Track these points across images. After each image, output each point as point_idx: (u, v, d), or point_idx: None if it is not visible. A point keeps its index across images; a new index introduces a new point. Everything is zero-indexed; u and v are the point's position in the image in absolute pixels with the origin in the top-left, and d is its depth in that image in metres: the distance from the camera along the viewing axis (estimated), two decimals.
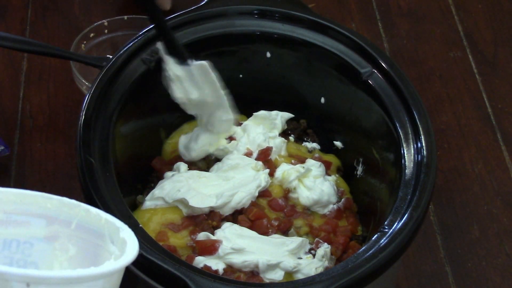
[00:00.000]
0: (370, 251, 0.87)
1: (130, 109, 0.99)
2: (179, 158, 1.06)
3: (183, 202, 0.98)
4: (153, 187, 1.03)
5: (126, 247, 0.73)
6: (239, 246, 0.94)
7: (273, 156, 1.05)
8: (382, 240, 0.87)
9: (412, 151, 0.95)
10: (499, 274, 1.15)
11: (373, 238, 0.88)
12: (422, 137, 0.95)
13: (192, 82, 1.00)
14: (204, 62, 0.99)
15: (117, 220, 0.77)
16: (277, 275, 0.94)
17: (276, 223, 0.99)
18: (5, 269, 0.64)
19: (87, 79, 1.22)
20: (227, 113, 1.04)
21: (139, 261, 0.84)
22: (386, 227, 0.89)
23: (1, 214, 0.77)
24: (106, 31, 1.31)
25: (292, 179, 1.02)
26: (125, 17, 1.31)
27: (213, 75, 0.99)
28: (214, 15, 1.04)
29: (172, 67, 0.99)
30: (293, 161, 1.06)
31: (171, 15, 1.05)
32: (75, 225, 0.77)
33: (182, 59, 0.98)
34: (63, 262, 0.78)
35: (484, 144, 1.30)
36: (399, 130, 0.97)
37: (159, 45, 0.99)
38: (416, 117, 0.97)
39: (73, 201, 0.77)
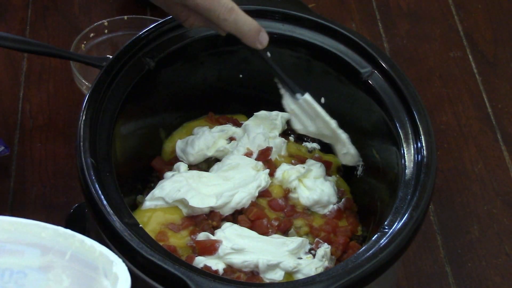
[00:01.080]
0: (370, 251, 0.86)
1: (130, 109, 0.99)
2: (179, 158, 1.06)
3: (183, 202, 0.98)
4: (153, 187, 1.03)
5: (117, 283, 0.72)
6: (239, 246, 0.94)
7: (273, 156, 1.05)
8: (382, 240, 0.87)
9: (412, 151, 0.95)
10: (499, 274, 1.15)
11: (373, 238, 0.88)
12: (422, 137, 0.95)
13: (306, 115, 1.02)
14: (306, 96, 1.00)
15: (111, 253, 0.76)
16: (277, 275, 0.94)
17: (276, 223, 0.99)
18: None
19: (87, 79, 1.22)
20: (344, 147, 1.04)
21: (139, 261, 0.84)
22: (386, 227, 0.89)
23: None
24: (106, 31, 1.31)
25: (292, 179, 1.02)
26: (125, 17, 1.31)
27: (318, 107, 1.01)
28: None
29: (286, 101, 1.02)
30: (293, 161, 1.06)
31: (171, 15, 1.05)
32: (70, 256, 0.76)
33: (291, 93, 1.00)
34: None
35: (484, 144, 1.30)
36: (399, 130, 0.97)
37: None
38: (416, 117, 0.97)
39: (68, 231, 0.77)
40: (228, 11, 0.93)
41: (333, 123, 1.01)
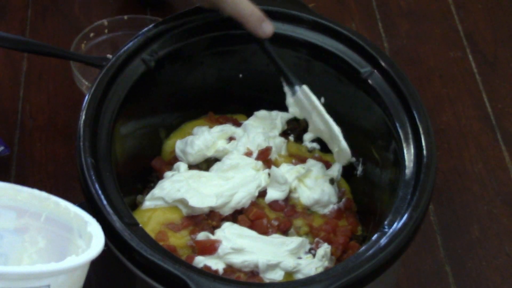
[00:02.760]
0: (370, 251, 0.86)
1: (130, 109, 0.99)
2: (178, 159, 1.06)
3: (183, 202, 0.98)
4: (153, 187, 1.03)
5: (92, 242, 0.73)
6: (239, 246, 0.94)
7: (273, 156, 1.05)
8: (382, 240, 0.87)
9: (412, 151, 0.95)
10: (499, 274, 1.15)
11: (373, 238, 0.88)
12: (422, 137, 0.95)
13: (305, 111, 1.01)
14: (304, 87, 0.99)
15: (86, 214, 0.77)
16: (277, 275, 0.94)
17: (276, 223, 0.99)
18: None
19: (87, 79, 1.22)
20: (336, 144, 1.02)
21: (139, 261, 0.84)
22: (386, 227, 0.89)
23: None
24: (106, 31, 1.31)
25: (292, 179, 1.02)
26: (125, 17, 1.31)
27: (315, 99, 1.00)
28: (214, 14, 1.04)
29: (288, 101, 1.03)
30: (293, 160, 1.06)
31: (171, 15, 1.05)
32: (45, 218, 0.77)
33: (289, 85, 1.00)
34: (32, 255, 0.77)
35: (484, 144, 1.30)
36: (399, 130, 0.97)
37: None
38: (416, 117, 0.97)
39: (43, 194, 0.77)
40: None
41: (326, 115, 1.00)
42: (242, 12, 0.93)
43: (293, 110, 1.04)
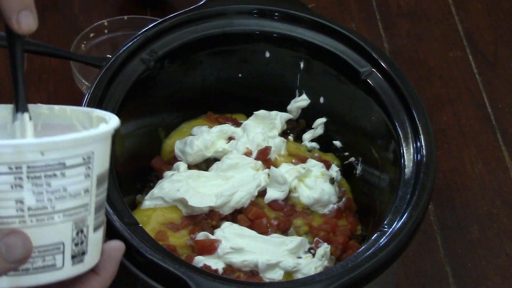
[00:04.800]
0: (370, 251, 0.86)
1: (130, 109, 0.99)
2: (178, 159, 1.06)
3: (183, 201, 0.98)
4: (152, 187, 1.03)
5: (106, 119, 0.72)
6: (239, 245, 0.94)
7: (273, 156, 1.05)
8: (382, 240, 0.87)
9: (412, 150, 0.95)
10: (499, 274, 1.15)
11: (372, 238, 0.88)
12: (422, 136, 0.95)
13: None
14: (26, 115, 0.73)
15: (84, 107, 0.76)
16: (276, 275, 0.94)
17: (275, 223, 0.99)
18: (20, 141, 0.64)
19: (87, 79, 1.22)
20: None
21: (139, 261, 0.84)
22: (386, 227, 0.89)
23: None
24: (106, 31, 1.31)
25: (292, 179, 1.02)
26: (125, 17, 1.31)
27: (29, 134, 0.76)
28: (213, 14, 1.04)
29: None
30: (293, 160, 1.06)
31: (170, 15, 1.05)
32: (41, 126, 0.76)
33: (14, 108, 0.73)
34: None
35: (484, 144, 1.30)
36: (399, 130, 0.97)
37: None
38: (416, 116, 0.97)
39: (32, 105, 0.76)
40: None
41: None
42: None
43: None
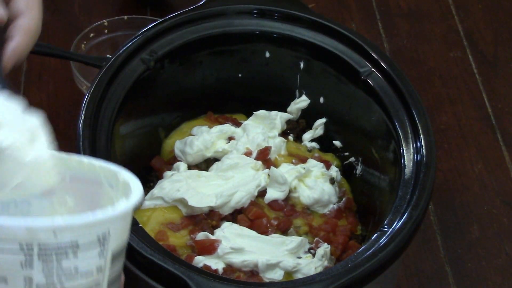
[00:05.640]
0: (370, 251, 0.86)
1: (129, 109, 0.99)
2: (177, 159, 1.06)
3: (183, 201, 0.98)
4: (152, 187, 1.03)
5: (130, 187, 0.72)
6: (239, 245, 0.94)
7: (273, 156, 1.05)
8: (382, 240, 0.87)
9: (412, 150, 0.95)
10: (499, 274, 1.15)
11: (372, 238, 0.88)
12: (422, 136, 0.95)
13: None
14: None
15: (112, 165, 0.76)
16: (276, 275, 0.94)
17: (275, 223, 0.99)
18: (33, 223, 0.63)
19: (87, 79, 1.22)
20: None
21: (139, 261, 0.84)
22: (386, 227, 0.89)
23: None
24: (106, 31, 1.31)
25: (292, 179, 1.02)
26: (125, 17, 1.31)
27: None
28: (213, 14, 1.04)
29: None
30: (293, 160, 1.06)
31: (170, 15, 1.05)
32: (70, 178, 0.76)
33: None
34: (64, 214, 0.77)
35: (484, 144, 1.30)
36: (399, 130, 0.97)
37: None
38: (416, 116, 0.97)
39: (63, 155, 0.76)
40: None
41: None
42: None
43: None
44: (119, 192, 0.73)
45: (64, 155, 0.76)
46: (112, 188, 0.74)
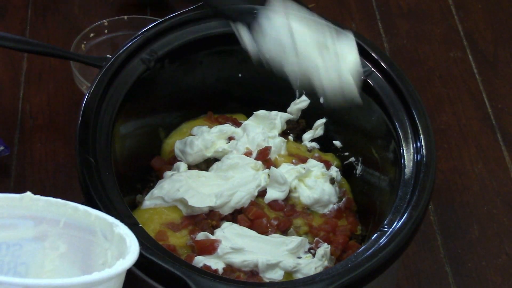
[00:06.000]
0: (370, 251, 0.86)
1: (129, 109, 0.99)
2: (178, 159, 1.06)
3: (183, 201, 0.98)
4: (152, 187, 1.03)
5: (126, 245, 0.72)
6: (239, 245, 0.94)
7: (273, 156, 1.05)
8: (382, 240, 0.87)
9: (412, 150, 0.95)
10: (499, 274, 1.15)
11: (372, 238, 0.88)
12: (422, 136, 0.95)
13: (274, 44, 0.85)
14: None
15: (109, 216, 0.77)
16: (276, 275, 0.94)
17: (275, 223, 0.99)
18: (29, 281, 0.64)
19: (87, 79, 1.22)
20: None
21: (139, 261, 0.84)
22: (386, 227, 0.89)
23: None
24: (106, 31, 1.31)
25: (292, 179, 1.02)
26: (125, 17, 1.31)
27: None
28: (213, 14, 1.04)
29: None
30: (293, 160, 1.06)
31: (170, 15, 1.05)
32: (64, 224, 0.77)
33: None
34: (54, 260, 0.77)
35: (484, 144, 1.30)
36: (399, 130, 0.97)
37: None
38: (416, 116, 0.97)
39: (60, 200, 0.77)
40: None
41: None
42: None
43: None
44: (113, 244, 0.73)
45: (60, 201, 0.77)
46: (106, 239, 0.74)
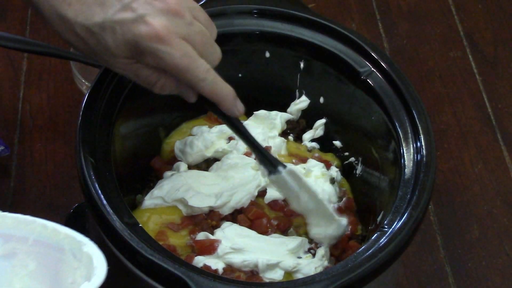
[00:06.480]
0: (370, 251, 0.86)
1: (129, 109, 0.99)
2: (178, 159, 1.06)
3: (183, 201, 0.98)
4: (152, 187, 1.03)
5: (93, 263, 0.72)
6: (239, 245, 0.94)
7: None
8: (382, 240, 0.87)
9: (412, 150, 0.95)
10: (499, 274, 1.15)
11: (372, 238, 0.88)
12: (422, 136, 0.95)
13: (287, 188, 0.94)
14: (291, 166, 0.94)
15: (79, 234, 0.76)
16: (276, 275, 0.94)
17: (275, 223, 0.99)
18: None
19: (87, 79, 1.22)
20: (334, 219, 0.97)
21: (139, 261, 0.84)
22: (386, 227, 0.89)
23: None
24: None
25: None
26: None
27: (306, 180, 0.95)
28: (213, 14, 1.04)
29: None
30: (294, 160, 1.06)
31: None
32: (33, 241, 0.76)
33: (269, 166, 0.92)
34: (23, 278, 0.77)
35: (484, 144, 1.30)
36: (399, 130, 0.97)
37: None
38: (416, 116, 0.97)
39: (28, 217, 0.76)
40: (207, 71, 0.85)
41: (319, 195, 0.95)
42: (220, 91, 0.87)
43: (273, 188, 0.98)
44: (82, 263, 0.73)
45: (28, 218, 0.76)
46: (75, 257, 0.74)
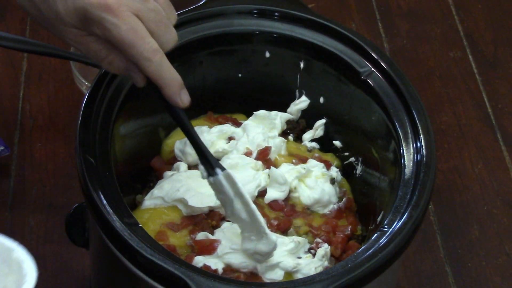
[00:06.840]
0: (370, 251, 0.86)
1: (129, 109, 0.99)
2: (177, 159, 1.06)
3: (183, 201, 0.98)
4: (152, 187, 1.03)
5: (23, 270, 0.71)
6: (239, 245, 0.94)
7: (273, 156, 1.05)
8: (382, 240, 0.87)
9: (412, 150, 0.95)
10: (499, 274, 1.15)
11: (372, 238, 0.88)
12: (422, 136, 0.95)
13: (222, 193, 0.90)
14: (228, 171, 0.89)
15: (8, 239, 0.75)
16: (276, 275, 0.94)
17: (275, 223, 0.99)
18: None
19: (87, 79, 1.22)
20: (264, 233, 0.90)
21: (139, 261, 0.84)
22: (386, 227, 0.89)
23: None
24: None
25: (292, 180, 1.02)
26: None
27: (240, 186, 0.89)
28: (213, 14, 1.04)
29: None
30: (294, 160, 1.06)
31: None
32: None
33: (208, 167, 0.89)
34: None
35: (484, 144, 1.30)
36: (399, 130, 0.97)
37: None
38: (416, 116, 0.97)
39: None
40: (153, 51, 0.81)
41: (252, 204, 0.90)
42: (165, 76, 0.83)
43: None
44: (12, 269, 0.72)
45: None
46: (4, 263, 0.73)
